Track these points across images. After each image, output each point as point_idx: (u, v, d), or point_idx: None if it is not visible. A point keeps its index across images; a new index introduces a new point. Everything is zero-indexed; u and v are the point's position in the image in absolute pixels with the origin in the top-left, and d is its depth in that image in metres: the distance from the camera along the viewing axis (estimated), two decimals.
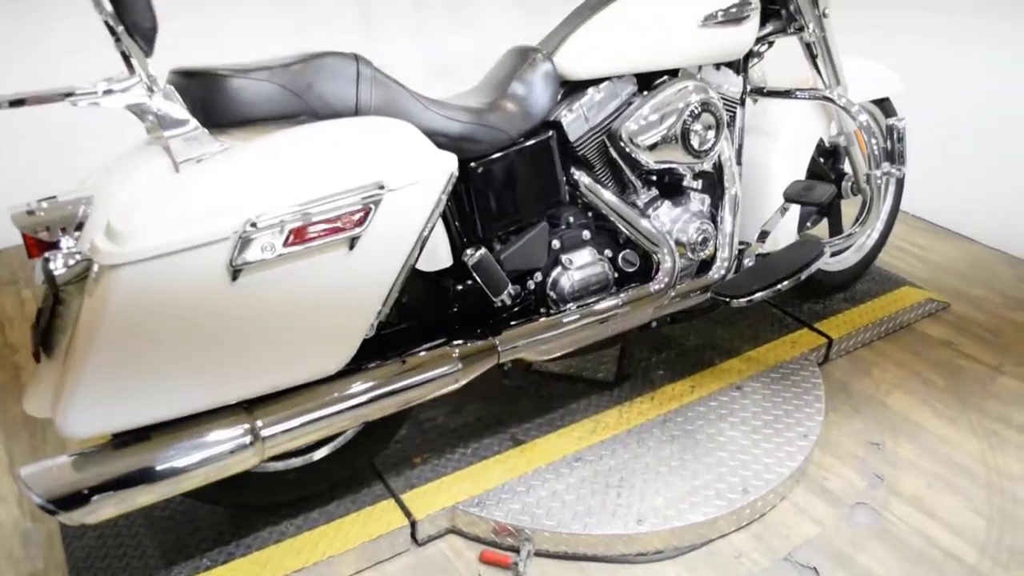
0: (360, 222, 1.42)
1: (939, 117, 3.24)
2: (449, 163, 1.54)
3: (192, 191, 1.35)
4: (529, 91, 1.81)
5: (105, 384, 1.36)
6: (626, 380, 2.25)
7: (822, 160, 2.54)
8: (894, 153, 2.26)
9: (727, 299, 2.00)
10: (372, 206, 1.43)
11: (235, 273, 1.35)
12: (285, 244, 1.37)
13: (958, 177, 3.29)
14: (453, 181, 1.56)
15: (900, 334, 2.64)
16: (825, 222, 2.68)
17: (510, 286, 1.80)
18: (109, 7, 1.29)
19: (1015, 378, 2.45)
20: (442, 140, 1.63)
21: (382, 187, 1.43)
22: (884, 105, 2.57)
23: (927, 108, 3.20)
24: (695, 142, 1.94)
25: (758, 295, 2.00)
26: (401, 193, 1.46)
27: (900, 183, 2.69)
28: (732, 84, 2.13)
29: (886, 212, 2.66)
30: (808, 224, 2.67)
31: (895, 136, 2.26)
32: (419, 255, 1.60)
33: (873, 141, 2.29)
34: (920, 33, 3.27)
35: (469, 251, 1.73)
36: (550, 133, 1.85)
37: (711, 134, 1.96)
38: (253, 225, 1.33)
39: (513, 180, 1.80)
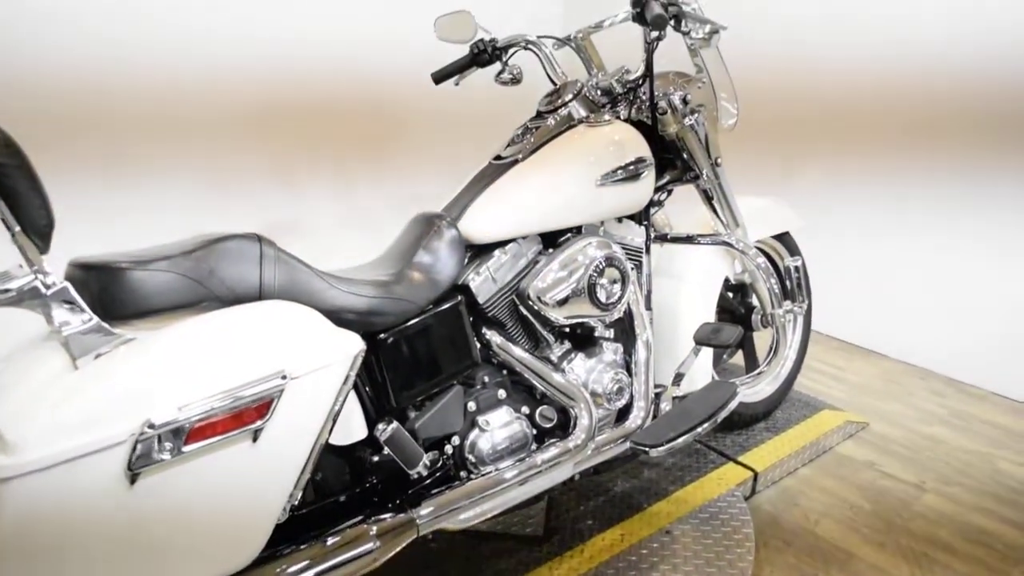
0: (262, 414, 1.41)
1: (843, 238, 3.40)
2: (353, 344, 1.54)
3: (87, 392, 1.32)
4: (435, 259, 1.85)
5: None
6: (555, 534, 2.21)
7: (731, 295, 2.63)
8: (793, 292, 2.35)
9: (646, 449, 2.01)
10: (275, 396, 1.41)
11: (133, 477, 1.32)
12: (185, 443, 1.34)
13: (864, 294, 3.42)
14: (360, 360, 1.57)
15: (823, 459, 2.67)
16: (741, 353, 2.76)
17: (425, 457, 1.79)
18: (3, 204, 1.28)
19: (937, 495, 2.49)
20: (349, 316, 1.64)
21: (284, 376, 1.42)
22: (785, 240, 2.69)
23: (831, 229, 3.37)
24: (602, 296, 1.99)
25: (677, 442, 2.02)
26: (304, 380, 1.45)
27: (808, 306, 2.79)
28: (635, 234, 2.21)
29: (797, 342, 2.74)
30: (725, 357, 2.74)
31: (792, 275, 2.35)
32: (330, 433, 1.58)
33: (772, 281, 2.38)
34: (820, 161, 3.46)
35: (381, 426, 1.72)
36: (459, 298, 1.87)
37: (617, 287, 2.02)
38: (151, 427, 1.30)
39: (424, 348, 1.81)
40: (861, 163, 3.30)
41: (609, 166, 2.02)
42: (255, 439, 1.42)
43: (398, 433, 1.71)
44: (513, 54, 2.29)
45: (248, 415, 1.39)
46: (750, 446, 2.62)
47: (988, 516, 2.39)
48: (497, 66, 2.30)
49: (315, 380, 1.48)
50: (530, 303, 1.94)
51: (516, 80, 2.28)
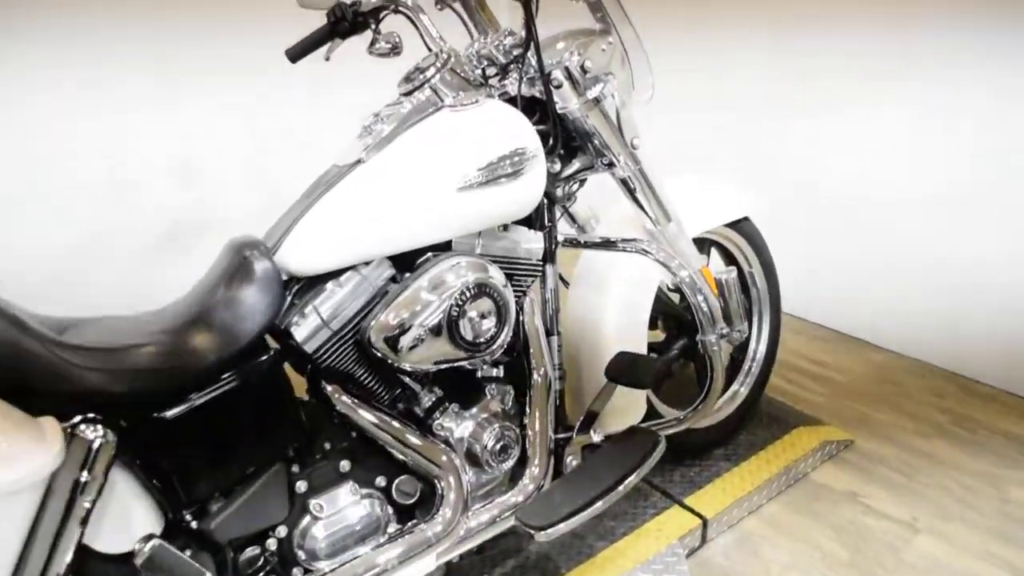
0: None
1: (829, 212, 2.93)
2: (49, 447, 1.11)
3: None
4: (239, 301, 1.40)
5: None
6: None
7: (679, 298, 2.16)
8: (728, 312, 1.87)
9: (531, 530, 1.57)
10: None
11: None
12: None
13: (852, 274, 2.94)
14: (104, 453, 1.15)
15: (795, 490, 2.23)
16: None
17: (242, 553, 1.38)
18: None
19: (932, 535, 2.04)
20: (90, 390, 1.21)
21: None
22: (742, 226, 2.21)
23: (818, 203, 2.90)
24: (468, 334, 1.53)
25: (572, 520, 1.57)
26: None
27: (776, 308, 2.32)
28: (531, 241, 1.74)
29: (762, 351, 2.28)
30: (673, 368, 2.27)
31: (724, 292, 1.87)
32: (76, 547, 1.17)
33: (700, 299, 1.86)
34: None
35: (137, 546, 1.28)
36: (271, 351, 1.43)
37: (490, 322, 1.56)
38: None
39: (223, 422, 1.37)
40: (849, 114, 2.81)
41: (476, 163, 1.55)
42: None
43: (161, 554, 1.27)
44: (383, 19, 1.82)
45: None
46: (702, 482, 2.16)
47: (994, 564, 1.94)
48: (369, 36, 1.83)
49: None
50: (374, 350, 1.49)
51: (396, 50, 1.81)
